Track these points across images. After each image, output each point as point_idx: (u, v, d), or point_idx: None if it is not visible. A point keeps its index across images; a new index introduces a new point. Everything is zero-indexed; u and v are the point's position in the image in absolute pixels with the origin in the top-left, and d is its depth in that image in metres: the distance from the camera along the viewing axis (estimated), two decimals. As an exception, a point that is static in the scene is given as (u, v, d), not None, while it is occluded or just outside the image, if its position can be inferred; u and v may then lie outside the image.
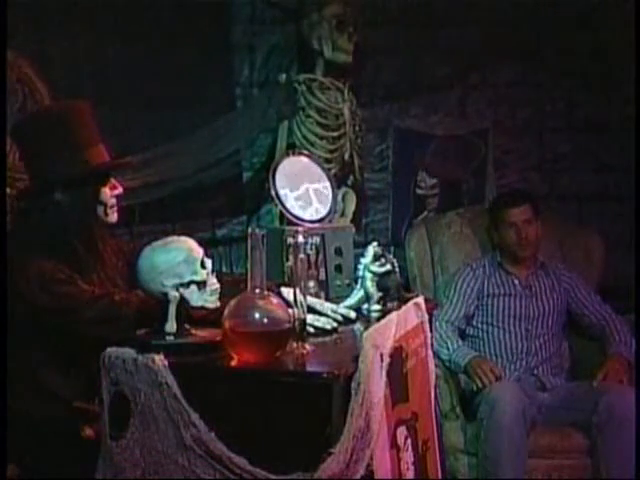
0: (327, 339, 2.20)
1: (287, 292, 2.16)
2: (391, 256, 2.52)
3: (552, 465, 3.34)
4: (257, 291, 1.97)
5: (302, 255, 2.08)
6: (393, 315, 2.15)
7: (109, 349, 1.98)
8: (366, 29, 3.93)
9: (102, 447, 2.00)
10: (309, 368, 1.98)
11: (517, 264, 3.70)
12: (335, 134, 3.91)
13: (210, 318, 2.11)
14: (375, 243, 2.52)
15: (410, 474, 2.14)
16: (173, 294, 2.06)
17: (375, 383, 1.89)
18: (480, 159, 4.49)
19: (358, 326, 2.35)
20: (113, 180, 2.40)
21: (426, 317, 2.39)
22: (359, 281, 2.49)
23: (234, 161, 3.96)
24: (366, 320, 2.39)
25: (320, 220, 2.95)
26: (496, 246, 3.79)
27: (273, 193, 2.92)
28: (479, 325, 3.68)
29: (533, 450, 3.28)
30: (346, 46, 3.84)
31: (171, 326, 2.06)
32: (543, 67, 4.41)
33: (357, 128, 4.00)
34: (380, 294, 2.46)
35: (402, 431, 2.10)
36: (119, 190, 2.39)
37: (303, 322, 2.01)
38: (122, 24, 3.48)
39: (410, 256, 3.93)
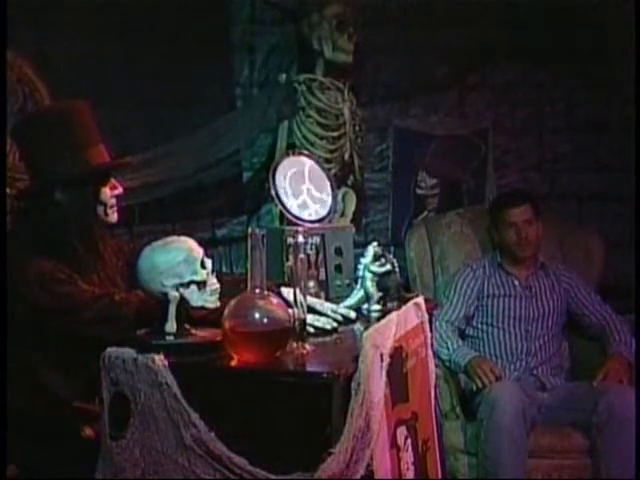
0: (327, 339, 2.20)
1: (287, 292, 2.16)
2: (391, 256, 2.52)
3: (552, 465, 3.34)
4: (257, 291, 1.97)
5: (302, 255, 2.08)
6: (393, 315, 2.15)
7: (109, 349, 1.98)
8: (366, 29, 3.93)
9: (102, 447, 2.00)
10: (309, 368, 1.98)
11: (517, 264, 3.70)
12: (335, 134, 3.90)
13: (210, 318, 2.11)
14: (375, 243, 2.52)
15: (410, 474, 2.14)
16: (173, 294, 2.06)
17: (375, 383, 1.89)
18: (480, 159, 4.49)
19: (358, 326, 2.34)
20: (113, 180, 2.39)
21: (426, 317, 2.39)
22: (359, 281, 2.49)
23: (234, 161, 3.96)
24: (366, 320, 2.39)
25: (320, 220, 2.95)
26: (496, 246, 3.79)
27: (273, 193, 2.91)
28: (479, 326, 3.69)
29: (533, 450, 3.28)
30: (346, 46, 3.84)
31: (171, 326, 2.06)
32: (543, 67, 4.41)
33: (357, 128, 4.00)
34: (380, 294, 2.46)
35: (402, 431, 2.10)
36: (119, 190, 2.39)
37: (303, 322, 2.01)
38: (122, 24, 3.48)
39: (410, 256, 3.94)
